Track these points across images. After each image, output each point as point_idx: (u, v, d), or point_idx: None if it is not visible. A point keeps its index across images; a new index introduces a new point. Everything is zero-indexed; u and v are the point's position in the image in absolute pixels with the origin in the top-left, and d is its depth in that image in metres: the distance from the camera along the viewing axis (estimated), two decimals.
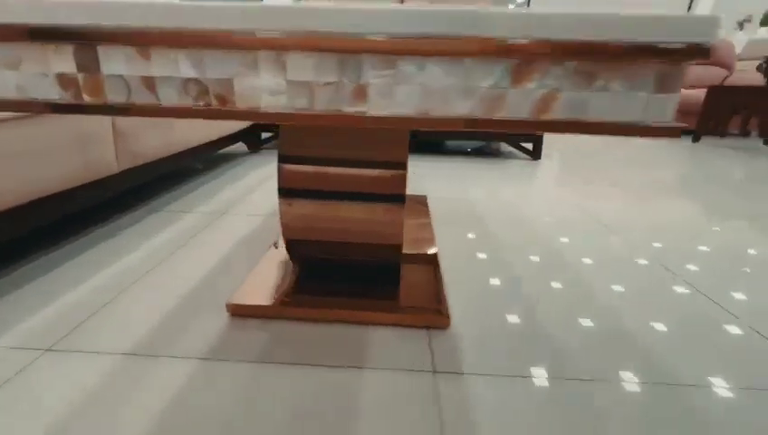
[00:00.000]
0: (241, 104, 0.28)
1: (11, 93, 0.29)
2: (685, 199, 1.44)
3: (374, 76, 0.27)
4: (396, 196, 0.62)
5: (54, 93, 0.28)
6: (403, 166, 0.61)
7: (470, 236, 1.02)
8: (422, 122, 0.27)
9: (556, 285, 0.79)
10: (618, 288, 0.79)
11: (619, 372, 0.56)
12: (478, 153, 2.26)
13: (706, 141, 3.14)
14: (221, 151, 2.01)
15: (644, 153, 2.47)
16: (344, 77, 0.27)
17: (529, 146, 2.35)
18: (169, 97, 0.28)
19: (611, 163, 2.08)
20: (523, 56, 0.25)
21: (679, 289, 0.79)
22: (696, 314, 0.71)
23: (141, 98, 0.28)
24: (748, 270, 0.89)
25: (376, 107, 0.27)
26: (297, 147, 0.61)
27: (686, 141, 3.14)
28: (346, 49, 0.26)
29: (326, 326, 0.63)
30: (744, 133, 3.45)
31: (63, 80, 0.28)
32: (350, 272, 0.75)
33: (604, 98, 0.26)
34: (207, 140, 1.39)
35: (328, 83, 0.27)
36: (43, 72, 0.28)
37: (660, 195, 1.48)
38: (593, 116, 0.27)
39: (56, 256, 0.83)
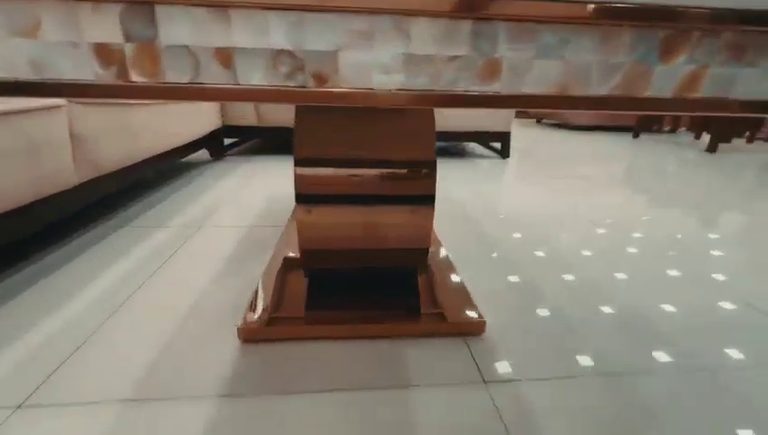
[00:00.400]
0: (344, 84, 0.22)
1: (21, 71, 0.21)
2: (642, 186, 1.53)
3: (509, 49, 0.22)
4: (426, 197, 0.57)
5: (88, 72, 0.21)
6: (433, 164, 0.56)
7: (465, 231, 1.00)
8: (561, 102, 0.23)
9: (568, 277, 0.78)
10: (621, 275, 0.80)
11: (654, 357, 0.55)
12: (445, 153, 2.27)
13: (645, 137, 3.43)
14: (182, 160, 1.84)
15: (594, 148, 2.63)
16: (475, 50, 0.22)
17: (497, 145, 2.41)
18: (251, 75, 0.22)
19: (569, 158, 2.18)
20: (677, 27, 0.22)
21: (672, 272, 0.82)
22: (703, 297, 0.73)
23: (212, 76, 0.21)
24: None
25: (508, 85, 0.23)
26: (315, 148, 0.55)
27: (627, 137, 3.40)
28: (481, 15, 0.21)
29: (351, 343, 0.57)
30: (674, 130, 3.82)
31: (103, 52, 0.20)
32: (365, 280, 0.70)
33: (753, 74, 0.24)
34: (172, 147, 1.25)
35: (454, 57, 0.22)
36: (72, 40, 0.20)
37: (624, 184, 1.56)
38: (741, 94, 0.24)
39: (9, 287, 0.69)
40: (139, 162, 1.05)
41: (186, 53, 0.21)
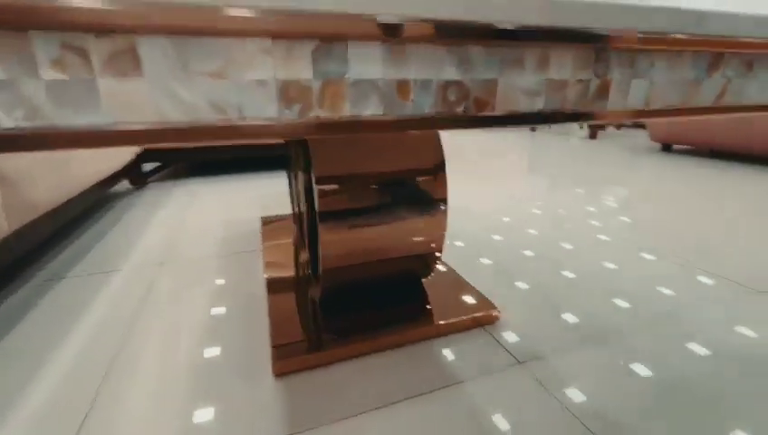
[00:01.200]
0: (500, 108, 0.24)
1: (203, 113, 0.18)
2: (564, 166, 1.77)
3: (618, 72, 0.27)
4: (440, 200, 0.60)
5: (271, 110, 0.19)
6: (443, 167, 0.60)
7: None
8: (646, 114, 0.29)
9: (539, 255, 0.88)
10: (567, 245, 0.93)
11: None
12: None
13: (541, 131, 3.92)
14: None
15: (499, 143, 2.94)
16: (594, 73, 0.26)
17: None
18: (424, 105, 0.22)
19: (472, 153, 2.41)
20: (717, 51, 0.29)
21: (648, 256, 0.98)
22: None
23: (394, 108, 0.22)
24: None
25: (613, 103, 0.27)
26: (333, 165, 0.55)
27: (525, 132, 3.86)
28: (600, 45, 0.25)
29: (378, 357, 0.58)
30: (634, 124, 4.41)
31: (290, 90, 0.19)
32: (373, 291, 0.70)
33: (755, 83, 0.32)
34: (102, 177, 1.09)
35: (580, 80, 0.26)
36: (259, 78, 0.19)
37: (530, 168, 1.79)
38: (749, 99, 0.32)
39: None
40: (74, 197, 0.90)
41: (371, 87, 0.21)
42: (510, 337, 0.62)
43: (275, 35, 0.18)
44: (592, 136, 3.30)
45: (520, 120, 0.25)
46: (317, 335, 0.59)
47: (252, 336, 0.62)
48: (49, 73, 0.16)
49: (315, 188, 0.54)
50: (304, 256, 0.83)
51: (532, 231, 1.08)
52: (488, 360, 0.57)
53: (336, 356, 0.57)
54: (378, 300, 0.68)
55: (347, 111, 0.21)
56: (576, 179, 1.71)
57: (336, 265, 0.58)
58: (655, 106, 0.29)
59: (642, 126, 3.94)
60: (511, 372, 0.54)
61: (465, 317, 0.63)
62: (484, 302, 0.67)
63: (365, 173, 0.56)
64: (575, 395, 0.50)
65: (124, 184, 1.70)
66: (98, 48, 0.16)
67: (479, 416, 0.47)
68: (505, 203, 1.35)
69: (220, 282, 0.80)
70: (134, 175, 1.62)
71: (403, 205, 0.59)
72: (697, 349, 0.59)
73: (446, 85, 0.23)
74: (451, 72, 0.22)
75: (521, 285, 0.78)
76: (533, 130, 3.94)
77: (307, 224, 0.70)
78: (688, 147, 2.59)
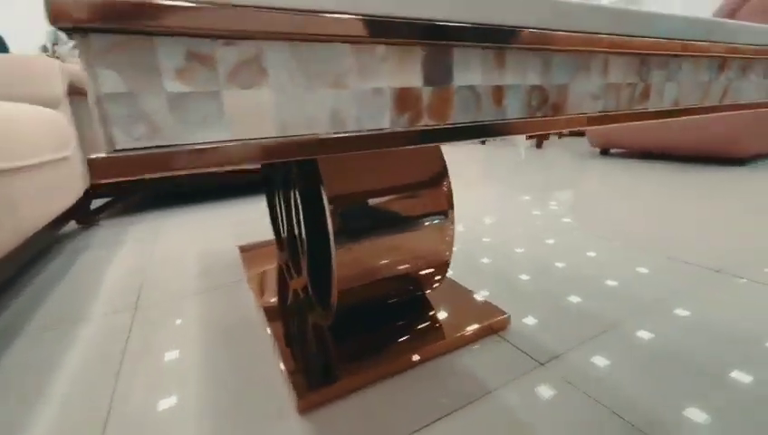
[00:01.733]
0: (571, 111, 0.25)
1: (322, 126, 0.17)
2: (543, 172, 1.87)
3: (656, 75, 0.29)
4: (447, 211, 0.61)
5: (384, 120, 0.18)
6: (448, 178, 0.61)
7: None
8: (677, 112, 0.31)
9: (513, 251, 0.92)
10: (550, 241, 0.98)
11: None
12: None
13: (490, 143, 4.14)
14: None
15: (460, 156, 3.06)
16: (639, 77, 0.28)
17: None
18: (513, 109, 0.22)
19: (467, 168, 2.50)
20: (724, 57, 0.33)
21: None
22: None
23: (487, 114, 0.21)
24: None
25: (654, 103, 0.29)
26: (345, 183, 0.54)
27: (476, 145, 4.05)
28: (647, 51, 0.27)
29: (398, 380, 0.56)
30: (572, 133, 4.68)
31: (403, 98, 0.19)
32: (378, 309, 0.69)
33: (752, 85, 0.36)
34: (53, 217, 0.99)
35: (629, 84, 0.27)
36: (375, 86, 0.18)
37: (486, 177, 1.88)
38: (747, 99, 0.36)
39: None
40: (30, 238, 0.80)
41: (471, 94, 0.21)
42: (524, 340, 0.63)
43: (389, 43, 0.18)
44: (539, 145, 3.54)
45: (584, 124, 0.26)
46: (335, 364, 0.56)
47: (259, 372, 0.58)
48: (173, 85, 0.14)
49: (328, 207, 0.52)
50: (299, 281, 0.80)
51: (518, 230, 1.12)
52: (511, 366, 0.57)
53: (358, 383, 0.54)
54: (385, 318, 0.67)
55: (451, 118, 0.20)
56: (535, 183, 1.82)
57: (351, 285, 0.57)
58: (683, 105, 0.32)
59: (581, 134, 4.28)
60: (536, 375, 0.55)
61: (478, 326, 0.64)
62: (491, 308, 0.68)
63: (376, 189, 0.56)
64: (605, 390, 0.52)
65: (71, 225, 1.54)
66: (225, 56, 0.15)
67: (521, 423, 0.47)
68: (489, 206, 1.40)
69: (209, 318, 0.75)
70: (82, 213, 1.48)
71: (414, 218, 0.59)
72: (689, 320, 0.63)
73: (531, 90, 0.23)
74: (534, 78, 0.23)
75: (514, 284, 0.80)
76: (483, 142, 4.15)
77: (307, 246, 0.67)
78: (623, 150, 2.87)
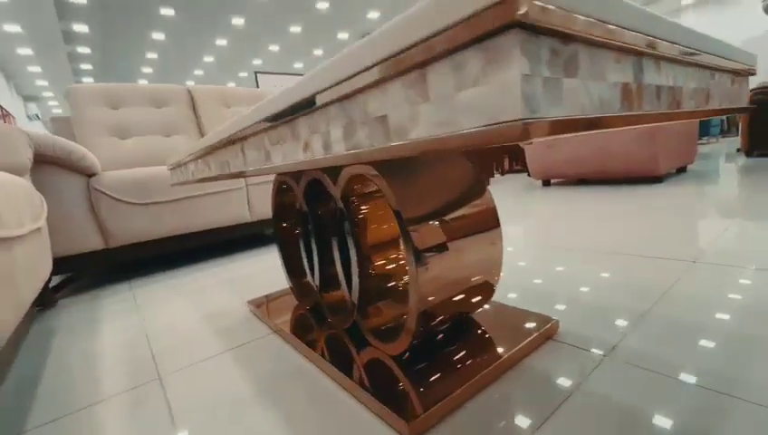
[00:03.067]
0: (687, 106, 0.32)
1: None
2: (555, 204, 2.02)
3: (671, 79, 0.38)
4: (497, 223, 0.67)
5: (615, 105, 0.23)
6: (489, 193, 0.67)
7: None
8: (674, 115, 0.40)
9: (521, 263, 0.99)
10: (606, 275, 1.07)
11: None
12: None
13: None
14: None
15: None
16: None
17: None
18: (662, 103, 0.29)
19: None
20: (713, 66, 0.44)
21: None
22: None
23: (647, 106, 0.27)
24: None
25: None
26: (416, 202, 0.57)
27: None
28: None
29: (480, 398, 0.56)
30: (512, 171, 4.92)
31: (625, 90, 0.24)
32: (433, 332, 0.70)
33: (718, 91, 0.48)
34: (35, 296, 0.87)
35: (695, 89, 0.36)
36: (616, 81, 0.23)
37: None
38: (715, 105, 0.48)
39: None
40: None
41: (655, 90, 0.27)
42: (578, 339, 0.67)
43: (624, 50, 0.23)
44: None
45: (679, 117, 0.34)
46: (421, 390, 0.56)
47: (342, 419, 0.55)
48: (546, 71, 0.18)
49: (408, 229, 0.55)
50: (339, 319, 0.78)
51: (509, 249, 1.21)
52: (581, 362, 0.61)
53: (451, 405, 0.54)
54: (441, 341, 0.68)
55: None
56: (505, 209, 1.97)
57: (428, 306, 0.58)
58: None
59: (523, 171, 4.68)
60: (607, 365, 0.59)
61: (535, 335, 0.67)
62: (538, 316, 0.73)
63: (440, 206, 0.60)
64: (673, 366, 0.57)
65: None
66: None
67: (620, 407, 0.50)
68: None
69: (253, 375, 0.70)
70: (39, 293, 1.30)
71: (474, 233, 0.63)
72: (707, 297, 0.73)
73: (665, 88, 0.30)
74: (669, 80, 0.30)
75: (529, 292, 0.86)
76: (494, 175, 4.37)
77: (359, 283, 0.68)
78: (562, 179, 3.22)
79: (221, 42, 8.64)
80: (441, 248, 0.58)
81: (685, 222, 1.37)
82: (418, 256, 0.55)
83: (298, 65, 11.10)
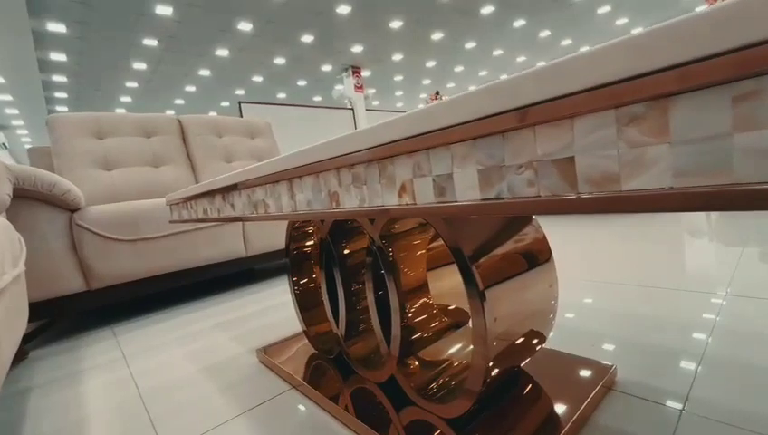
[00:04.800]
0: None
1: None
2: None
3: None
4: (551, 265, 0.61)
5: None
6: (541, 229, 0.62)
7: None
8: None
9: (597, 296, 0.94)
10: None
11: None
12: None
13: None
14: None
15: None
16: None
17: None
18: None
19: None
20: None
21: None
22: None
23: None
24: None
25: None
26: (477, 238, 0.52)
27: None
28: None
29: None
30: None
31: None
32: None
33: None
34: (16, 349, 0.75)
35: None
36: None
37: None
38: None
39: None
40: None
41: None
42: (642, 389, 0.61)
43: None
44: None
45: None
46: None
47: None
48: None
49: (472, 267, 0.49)
50: (375, 374, 0.69)
51: None
52: (655, 418, 0.55)
53: None
54: (492, 396, 0.61)
55: None
56: None
57: (500, 349, 0.51)
58: None
59: None
60: (687, 422, 0.53)
61: (599, 387, 0.61)
62: (595, 363, 0.66)
63: (497, 244, 0.54)
64: (735, 412, 0.52)
65: None
66: None
67: None
68: None
69: None
70: None
71: (530, 268, 0.57)
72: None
73: None
74: None
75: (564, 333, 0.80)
76: None
77: (401, 331, 0.61)
78: None
79: (204, 72, 8.63)
80: (506, 289, 0.52)
81: (703, 245, 1.36)
82: (483, 295, 0.49)
83: (281, 95, 11.19)
